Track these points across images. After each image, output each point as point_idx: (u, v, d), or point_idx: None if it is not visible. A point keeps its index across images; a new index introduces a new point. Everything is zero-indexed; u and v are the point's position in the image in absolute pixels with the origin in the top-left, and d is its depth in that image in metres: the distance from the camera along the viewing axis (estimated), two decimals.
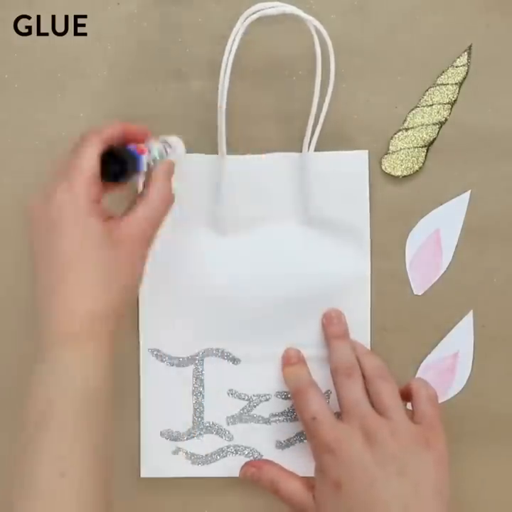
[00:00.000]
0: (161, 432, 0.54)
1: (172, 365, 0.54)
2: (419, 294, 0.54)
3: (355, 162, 0.53)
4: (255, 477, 0.52)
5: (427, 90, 0.54)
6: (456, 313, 0.54)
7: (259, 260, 0.54)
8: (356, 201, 0.53)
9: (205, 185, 0.53)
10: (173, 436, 0.54)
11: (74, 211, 0.43)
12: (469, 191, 0.54)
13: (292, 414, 0.54)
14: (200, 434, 0.54)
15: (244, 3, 0.49)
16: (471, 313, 0.54)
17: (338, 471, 0.47)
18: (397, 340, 0.54)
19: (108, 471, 0.43)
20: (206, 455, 0.54)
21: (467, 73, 0.54)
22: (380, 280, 0.54)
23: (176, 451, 0.54)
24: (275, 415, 0.54)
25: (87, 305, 0.43)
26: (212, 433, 0.54)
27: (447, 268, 0.54)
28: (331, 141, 0.53)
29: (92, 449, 0.42)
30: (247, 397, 0.54)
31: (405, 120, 0.54)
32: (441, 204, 0.54)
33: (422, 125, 0.54)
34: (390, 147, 0.54)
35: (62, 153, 0.46)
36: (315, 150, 0.53)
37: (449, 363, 0.54)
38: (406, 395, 0.50)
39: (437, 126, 0.54)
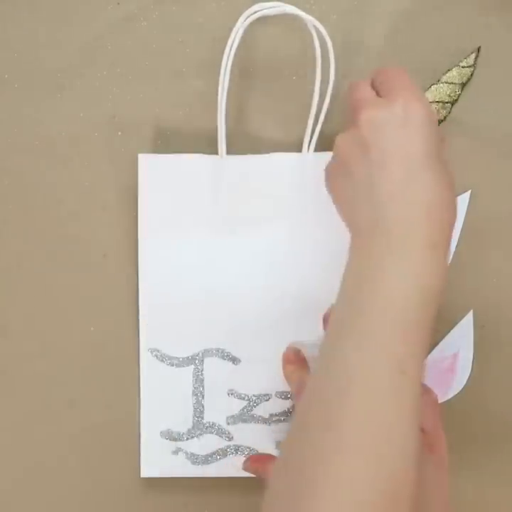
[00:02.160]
0: (161, 432, 0.54)
1: (172, 365, 0.54)
2: None
3: None
4: (259, 472, 0.52)
5: (428, 89, 0.54)
6: (456, 313, 0.54)
7: (258, 260, 0.54)
8: None
9: (205, 185, 0.53)
10: (173, 437, 0.54)
11: None
12: (469, 191, 0.54)
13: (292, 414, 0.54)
14: (200, 434, 0.54)
15: (244, 3, 0.49)
16: (471, 313, 0.54)
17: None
18: None
19: None
20: (206, 455, 0.54)
21: (472, 74, 0.53)
22: None
23: (176, 451, 0.54)
24: (275, 415, 0.54)
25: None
26: (212, 433, 0.54)
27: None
28: (331, 141, 0.53)
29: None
30: (247, 397, 0.54)
31: None
32: None
33: None
34: None
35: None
36: (315, 150, 0.53)
37: (449, 363, 0.54)
38: None
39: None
